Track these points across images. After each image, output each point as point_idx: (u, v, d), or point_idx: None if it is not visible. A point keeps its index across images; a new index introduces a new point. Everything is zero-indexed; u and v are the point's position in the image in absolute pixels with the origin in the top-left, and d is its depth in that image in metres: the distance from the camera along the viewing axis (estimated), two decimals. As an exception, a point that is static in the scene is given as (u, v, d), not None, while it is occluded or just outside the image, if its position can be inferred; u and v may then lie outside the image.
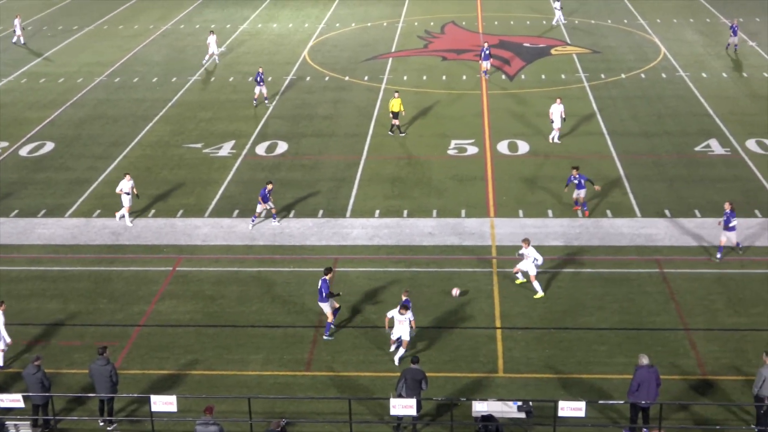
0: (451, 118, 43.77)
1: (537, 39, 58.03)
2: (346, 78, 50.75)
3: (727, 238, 30.15)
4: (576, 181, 33.08)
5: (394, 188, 36.36)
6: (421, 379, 22.05)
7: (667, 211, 33.64)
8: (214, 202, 35.46)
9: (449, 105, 45.57)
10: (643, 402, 21.69)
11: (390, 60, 54.10)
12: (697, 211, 33.54)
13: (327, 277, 26.25)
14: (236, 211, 34.61)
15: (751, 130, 41.16)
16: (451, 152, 39.77)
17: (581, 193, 33.26)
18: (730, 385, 23.89)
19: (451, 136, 41.65)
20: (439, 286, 28.96)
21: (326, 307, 26.39)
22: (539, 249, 30.51)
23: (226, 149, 40.67)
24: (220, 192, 36.34)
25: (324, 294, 26.08)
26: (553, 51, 55.19)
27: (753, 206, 33.84)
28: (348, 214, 34.32)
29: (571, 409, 21.02)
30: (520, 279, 29.18)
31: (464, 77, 50.16)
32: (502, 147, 40.16)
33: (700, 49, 54.74)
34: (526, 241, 28.48)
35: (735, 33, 52.32)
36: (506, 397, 23.08)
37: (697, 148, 39.47)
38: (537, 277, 28.27)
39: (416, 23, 62.89)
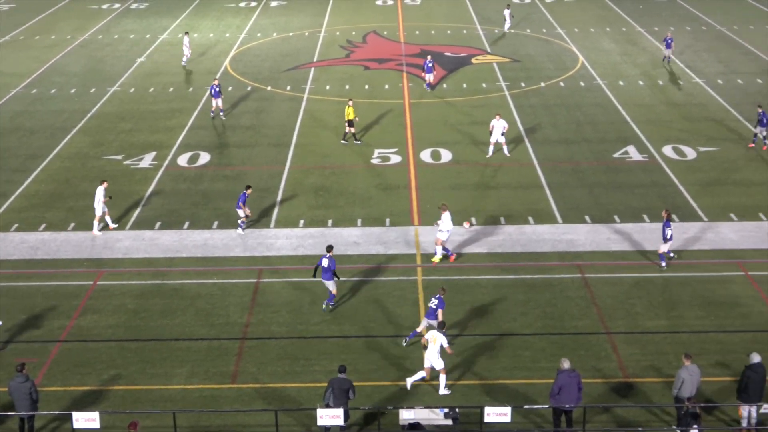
0: (374, 127, 43.88)
1: (458, 48, 58.56)
2: (269, 88, 50.58)
3: (666, 248, 30.51)
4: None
5: (319, 198, 36.32)
6: (348, 388, 22.03)
7: (587, 217, 34.20)
8: (135, 215, 34.98)
9: (372, 114, 45.69)
10: (566, 405, 21.98)
11: (312, 70, 54.07)
12: (616, 217, 34.16)
13: (331, 254, 27.60)
14: (158, 223, 34.19)
15: (667, 137, 42.09)
16: (374, 161, 39.88)
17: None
18: (650, 386, 24.36)
19: (375, 145, 41.77)
20: (365, 295, 28.99)
21: (332, 285, 27.73)
22: (463, 258, 30.84)
23: (147, 161, 40.19)
24: (141, 204, 35.87)
25: (332, 271, 27.49)
26: (473, 60, 55.76)
27: (672, 211, 34.48)
28: (272, 224, 34.17)
29: (497, 414, 21.22)
30: (438, 257, 30.09)
31: (387, 86, 50.37)
32: (425, 155, 40.41)
33: (617, 57, 55.82)
34: (444, 206, 30.11)
35: (669, 46, 53.49)
36: (433, 405, 23.19)
37: (616, 155, 40.21)
38: (443, 246, 30.11)
39: (338, 33, 62.99)
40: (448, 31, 63.19)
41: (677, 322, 27.36)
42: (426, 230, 33.15)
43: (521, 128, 43.46)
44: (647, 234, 32.79)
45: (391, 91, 49.45)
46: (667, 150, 40.52)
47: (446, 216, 30.45)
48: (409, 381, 24.36)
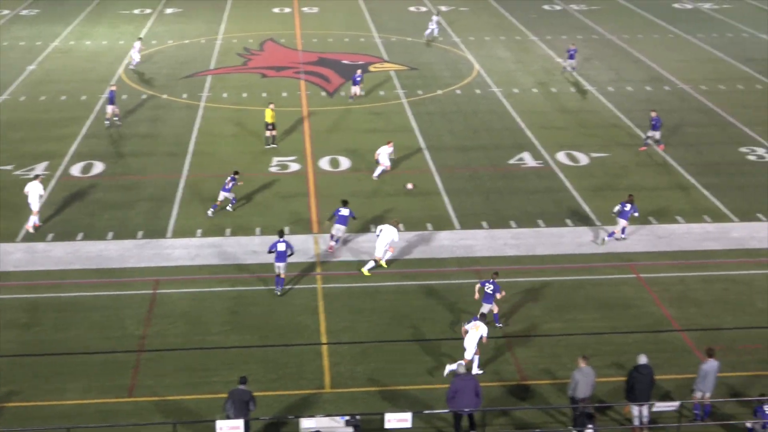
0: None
1: (355, 56, 58.75)
2: (164, 96, 49.90)
3: (620, 226, 32.84)
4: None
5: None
6: (248, 399, 21.86)
7: (484, 223, 34.67)
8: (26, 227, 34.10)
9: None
10: (465, 409, 22.23)
11: (209, 77, 53.55)
12: (512, 222, 34.71)
13: (285, 239, 29.23)
14: (51, 235, 33.39)
15: (560, 143, 42.97)
16: (273, 169, 39.70)
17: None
18: (547, 388, 24.81)
19: (273, 153, 41.58)
20: (264, 305, 28.83)
21: (284, 267, 29.05)
22: (363, 264, 30.95)
23: (38, 171, 39.18)
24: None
25: (290, 253, 29.07)
26: (371, 68, 56.00)
27: (564, 216, 35.32)
28: (169, 234, 33.70)
29: (398, 420, 21.32)
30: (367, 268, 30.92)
31: (285, 94, 50.21)
32: (324, 163, 40.42)
33: (512, 65, 56.78)
34: (396, 222, 31.23)
35: (572, 57, 54.58)
36: (334, 413, 23.18)
37: (511, 161, 40.88)
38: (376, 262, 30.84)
39: (235, 40, 62.53)
40: (346, 39, 63.35)
41: (572, 324, 27.94)
42: (325, 238, 33.12)
43: (419, 135, 43.82)
44: (543, 238, 33.43)
45: (289, 99, 49.32)
46: (561, 156, 41.38)
47: (391, 231, 30.62)
48: (446, 371, 25.14)
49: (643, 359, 22.83)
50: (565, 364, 25.66)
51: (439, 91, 50.99)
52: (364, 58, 58.37)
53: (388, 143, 39.29)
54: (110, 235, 33.52)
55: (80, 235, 33.38)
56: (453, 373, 24.04)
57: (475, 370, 25.24)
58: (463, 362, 22.44)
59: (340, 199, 33.13)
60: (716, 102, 49.17)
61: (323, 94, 50.53)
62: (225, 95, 50.09)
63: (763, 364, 25.98)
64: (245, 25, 66.98)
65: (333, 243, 32.19)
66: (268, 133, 42.20)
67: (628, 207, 32.86)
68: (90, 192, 37.19)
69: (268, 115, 42.03)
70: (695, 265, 31.67)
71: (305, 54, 59.08)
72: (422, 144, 42.74)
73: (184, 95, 49.98)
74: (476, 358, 25.30)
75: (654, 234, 33.88)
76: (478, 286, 27.64)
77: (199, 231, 33.87)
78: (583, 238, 33.46)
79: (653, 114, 42.17)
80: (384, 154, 38.89)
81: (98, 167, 39.85)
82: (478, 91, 51.24)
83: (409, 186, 36.34)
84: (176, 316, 28.12)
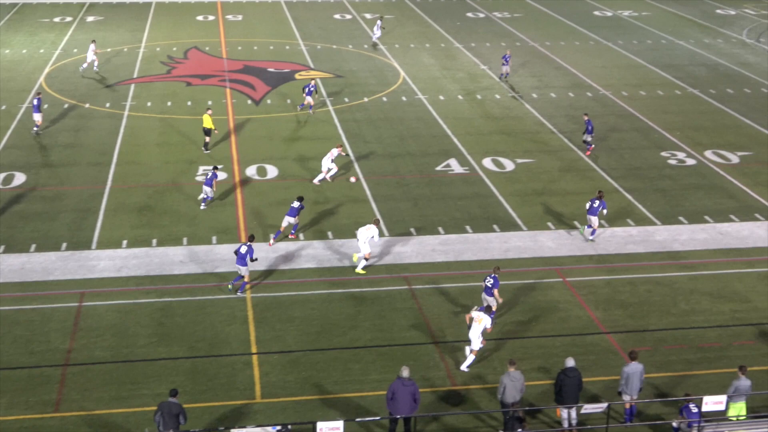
0: (198, 144, 43.28)
1: (281, 64, 58.58)
2: (87, 105, 49.11)
3: (595, 223, 33.77)
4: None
5: (142, 217, 35.51)
6: (179, 413, 21.58)
7: (412, 230, 34.81)
8: (-55, 240, 33.25)
9: (195, 131, 45.04)
10: (397, 415, 22.26)
11: (132, 86, 52.87)
12: (440, 229, 34.92)
13: (251, 244, 29.63)
14: (-29, 248, 32.61)
15: (486, 149, 43.38)
16: (199, 178, 39.31)
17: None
18: (478, 393, 24.99)
19: (199, 162, 41.21)
20: (192, 316, 28.53)
21: (246, 270, 29.44)
22: (291, 273, 30.88)
23: (-43, 183, 38.29)
24: (-48, 228, 34.14)
25: (250, 258, 29.33)
26: (297, 75, 55.88)
27: (491, 221, 35.64)
28: (94, 245, 33.15)
29: (329, 429, 21.24)
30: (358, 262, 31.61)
31: (210, 102, 49.80)
32: (251, 172, 40.18)
33: (437, 72, 57.16)
34: (376, 221, 31.81)
35: (506, 62, 55.24)
36: (265, 423, 23.04)
37: (438, 168, 41.14)
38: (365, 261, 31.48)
39: (158, 48, 61.86)
40: (271, 47, 63.11)
41: (501, 329, 28.18)
42: (254, 246, 32.88)
43: (346, 143, 43.84)
44: (470, 244, 33.69)
45: (215, 108, 48.90)
46: (487, 162, 41.77)
47: (372, 230, 31.31)
48: (464, 366, 25.91)
49: (570, 362, 23.14)
50: (495, 368, 25.88)
51: (366, 99, 51.10)
52: (289, 65, 58.22)
53: (338, 147, 39.54)
54: (33, 247, 32.85)
55: (2, 248, 32.66)
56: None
57: (464, 368, 25.93)
58: (405, 369, 22.45)
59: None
60: (637, 107, 50.13)
61: (249, 102, 50.27)
62: (149, 104, 49.50)
63: (687, 364, 26.53)
64: (169, 33, 66.31)
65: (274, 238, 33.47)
66: (208, 139, 42.29)
67: (597, 203, 33.60)
68: (11, 203, 36.40)
69: (207, 121, 41.92)
70: (620, 268, 32.23)
71: (230, 62, 58.71)
72: (350, 151, 42.76)
73: (107, 104, 49.26)
74: (471, 358, 25.97)
75: (579, 238, 34.36)
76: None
77: (124, 242, 33.39)
78: (510, 243, 33.80)
79: (585, 117, 43.16)
80: (327, 159, 39.17)
81: (20, 178, 39.05)
82: (404, 99, 51.48)
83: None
84: (103, 329, 27.66)
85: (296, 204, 33.34)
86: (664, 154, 43.30)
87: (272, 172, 40.19)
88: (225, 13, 74.42)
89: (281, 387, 25.03)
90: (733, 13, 78.63)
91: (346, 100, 50.98)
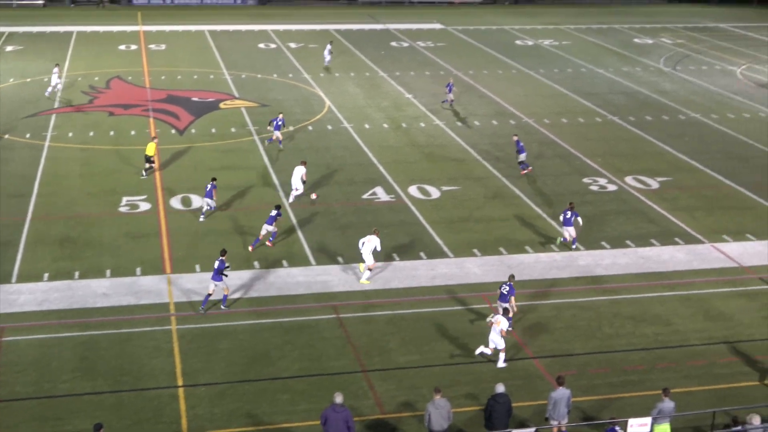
0: (121, 175, 42.75)
1: (205, 93, 58.28)
2: (6, 136, 48.18)
3: (568, 233, 35.74)
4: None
5: (64, 249, 34.87)
6: (102, 447, 21.18)
7: (340, 258, 34.78)
8: None
9: (118, 161, 44.52)
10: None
11: (53, 116, 52.05)
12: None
13: (224, 258, 30.30)
14: None
15: (412, 177, 43.63)
16: (122, 209, 38.80)
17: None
18: (406, 421, 24.99)
19: (122, 192, 40.68)
20: (116, 349, 28.04)
21: (222, 284, 30.21)
22: (217, 302, 30.58)
23: None
24: None
25: (221, 270, 29.96)
26: (221, 105, 55.65)
27: (418, 249, 35.81)
28: (13, 279, 32.43)
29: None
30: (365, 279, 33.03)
31: (133, 132, 49.28)
32: (176, 202, 39.80)
33: (362, 101, 57.43)
34: (376, 231, 33.23)
35: (450, 90, 55.85)
36: (192, 456, 22.73)
37: (365, 196, 41.23)
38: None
39: (80, 78, 61.07)
40: (195, 76, 62.77)
41: (430, 356, 28.27)
42: (178, 278, 32.58)
43: (272, 172, 43.72)
44: (397, 272, 33.79)
45: (138, 138, 48.38)
46: (413, 190, 42.00)
47: (374, 239, 32.86)
48: (478, 350, 27.83)
49: (500, 388, 23.29)
50: (424, 396, 25.89)
51: (291, 128, 51.04)
52: (214, 95, 57.95)
53: (302, 163, 40.14)
54: (-50, 281, 32.04)
55: None
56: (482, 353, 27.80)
57: (501, 365, 27.61)
58: (338, 395, 22.46)
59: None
60: (559, 135, 50.95)
61: (173, 131, 49.85)
62: (71, 134, 48.77)
63: (612, 387, 26.89)
64: (91, 63, 65.53)
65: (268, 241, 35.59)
66: (147, 165, 42.62)
67: (569, 214, 35.51)
68: (-73, 237, 35.51)
69: (151, 149, 42.48)
70: (545, 293, 32.60)
71: (154, 91, 58.22)
72: (276, 181, 42.64)
73: (27, 135, 48.40)
74: (503, 356, 27.60)
75: (504, 264, 34.70)
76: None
77: (46, 275, 32.74)
78: (437, 271, 33.98)
79: (515, 138, 44.39)
80: (298, 176, 39.68)
81: (-64, 211, 38.12)
82: (330, 127, 51.57)
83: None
84: (25, 364, 27.02)
85: (274, 212, 34.84)
86: (585, 180, 44.05)
87: (197, 202, 39.85)
88: (148, 43, 73.88)
89: (209, 420, 24.72)
90: (650, 42, 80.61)
91: (270, 129, 50.83)
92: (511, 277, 29.92)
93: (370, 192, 41.75)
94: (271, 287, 32.33)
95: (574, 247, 35.98)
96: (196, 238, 36.11)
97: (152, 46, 72.27)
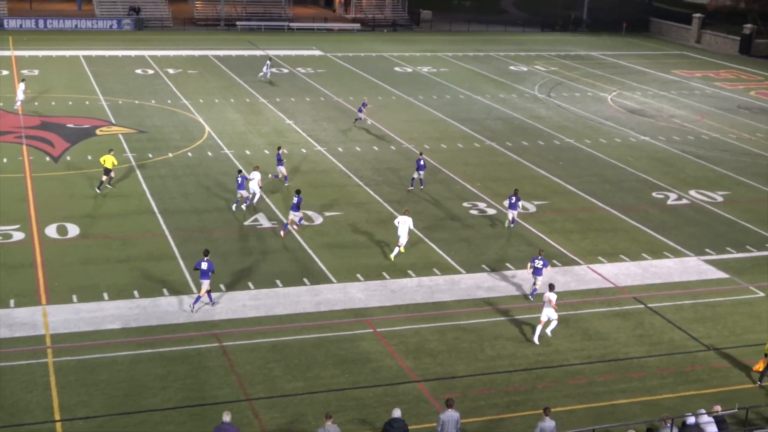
0: (-7, 203, 41.40)
1: (81, 119, 56.98)
2: None
3: (512, 215, 40.60)
4: None
5: (-68, 282, 33.47)
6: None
7: (222, 285, 34.35)
8: None
9: (-10, 189, 43.11)
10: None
11: None
12: (250, 284, 34.61)
13: (208, 258, 31.98)
14: None
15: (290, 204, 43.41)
16: (-6, 239, 37.54)
17: None
18: (293, 448, 24.79)
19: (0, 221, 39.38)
20: (-10, 384, 27.04)
21: (207, 284, 31.65)
22: (96, 335, 29.88)
23: None
24: None
25: (211, 272, 31.69)
26: (98, 131, 54.50)
27: (302, 275, 35.66)
28: None
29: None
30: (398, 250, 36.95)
31: (5, 160, 47.77)
32: (51, 231, 38.68)
33: (243, 127, 57.08)
34: (407, 211, 37.54)
35: (361, 110, 57.75)
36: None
37: (247, 223, 40.88)
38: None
39: (-53, 104, 58.99)
40: (70, 102, 61.35)
41: (314, 382, 28.13)
42: (54, 309, 31.62)
43: (151, 199, 42.99)
44: (281, 298, 33.57)
45: (11, 165, 46.94)
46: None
47: (407, 219, 37.19)
48: (536, 337, 31.10)
49: (396, 413, 23.31)
50: (309, 423, 25.75)
51: (170, 154, 50.33)
52: (90, 121, 56.72)
53: (255, 168, 42.42)
54: None
55: None
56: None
57: (538, 336, 31.25)
58: (226, 414, 22.36)
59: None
60: (439, 160, 51.62)
61: (48, 159, 48.53)
62: (-62, 162, 47.00)
63: (496, 408, 27.25)
64: (-41, 88, 63.39)
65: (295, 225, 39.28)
66: (105, 178, 43.39)
67: (513, 199, 40.29)
68: None
69: (109, 161, 43.28)
70: (428, 316, 32.87)
71: (27, 118, 56.60)
72: (155, 208, 41.94)
73: None
74: (539, 328, 31.16)
75: (388, 288, 34.87)
76: (528, 264, 34.46)
77: None
78: (321, 296, 33.90)
79: (421, 155, 46.42)
80: (257, 182, 41.84)
81: None
82: (210, 153, 51.04)
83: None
84: None
85: (295, 200, 38.72)
86: (465, 204, 44.71)
87: (73, 230, 38.82)
88: (20, 68, 71.91)
89: None
90: (525, 69, 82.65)
91: (150, 155, 50.06)
92: (541, 251, 34.75)
93: (252, 218, 41.43)
94: (152, 317, 31.68)
95: (512, 226, 40.97)
96: (72, 268, 35.15)
97: (25, 72, 70.34)
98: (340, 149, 53.07)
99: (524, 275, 36.49)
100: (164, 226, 39.80)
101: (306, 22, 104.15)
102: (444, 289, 35.16)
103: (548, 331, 31.31)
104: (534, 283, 34.53)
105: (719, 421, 24.70)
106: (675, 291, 35.85)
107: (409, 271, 36.42)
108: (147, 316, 31.68)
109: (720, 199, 46.63)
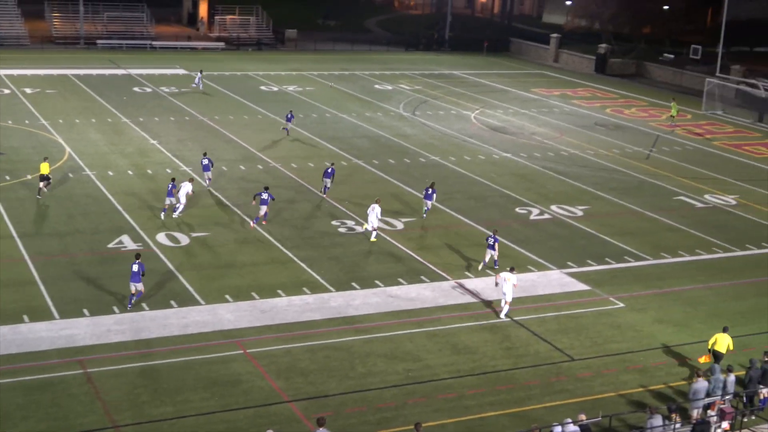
0: None
1: (-68, 141, 54.68)
2: None
3: (427, 205, 45.76)
4: None
5: None
6: None
7: (86, 310, 33.43)
8: None
9: None
10: None
11: None
12: (115, 308, 33.80)
13: (140, 261, 33.71)
14: None
15: (159, 224, 42.67)
16: None
17: None
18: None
19: None
20: None
21: (141, 285, 33.59)
22: (-48, 364, 28.72)
23: None
24: None
25: (142, 274, 33.49)
26: (-49, 153, 52.43)
27: (169, 297, 35.05)
28: None
29: None
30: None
31: None
32: None
33: (105, 148, 55.83)
34: (378, 200, 42.89)
35: (289, 120, 61.12)
36: None
37: (111, 245, 39.95)
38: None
39: None
40: None
41: (184, 406, 27.64)
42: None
43: (9, 223, 41.54)
44: (148, 322, 32.89)
45: None
46: (161, 237, 41.13)
47: (377, 208, 42.04)
48: (503, 314, 34.83)
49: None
50: (179, 448, 25.31)
51: (29, 176, 48.77)
52: (-58, 142, 54.48)
53: (190, 180, 44.46)
54: None
55: None
56: None
57: (503, 316, 34.91)
58: None
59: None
60: (307, 179, 51.58)
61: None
62: None
63: (368, 426, 27.33)
64: None
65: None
66: (42, 184, 44.78)
67: (430, 191, 45.82)
68: None
69: (44, 168, 45.03)
70: (299, 336, 32.76)
71: None
72: (13, 232, 40.54)
73: None
74: (507, 308, 34.99)
75: (257, 309, 34.61)
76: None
77: None
78: (189, 319, 33.38)
79: (330, 165, 49.19)
80: (184, 192, 43.46)
81: None
82: (71, 175, 49.70)
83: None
84: None
85: (265, 195, 42.58)
86: (334, 222, 44.81)
87: (-74, 257, 37.19)
88: None
89: None
90: (390, 88, 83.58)
91: (8, 177, 48.42)
92: (495, 231, 40.17)
93: (116, 241, 40.51)
94: (11, 344, 30.55)
95: (424, 216, 45.92)
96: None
97: None
98: (206, 169, 52.42)
99: (395, 291, 36.84)
100: (23, 250, 38.51)
101: (169, 40, 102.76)
102: (314, 308, 35.11)
103: (502, 314, 35.20)
104: (486, 256, 39.52)
105: (584, 429, 25.44)
106: (539, 304, 36.77)
107: (279, 291, 36.24)
108: (7, 344, 30.53)
109: (580, 213, 48.11)
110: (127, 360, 30.20)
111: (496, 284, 35.48)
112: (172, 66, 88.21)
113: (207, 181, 48.45)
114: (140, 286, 33.73)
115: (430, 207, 46.01)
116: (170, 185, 43.56)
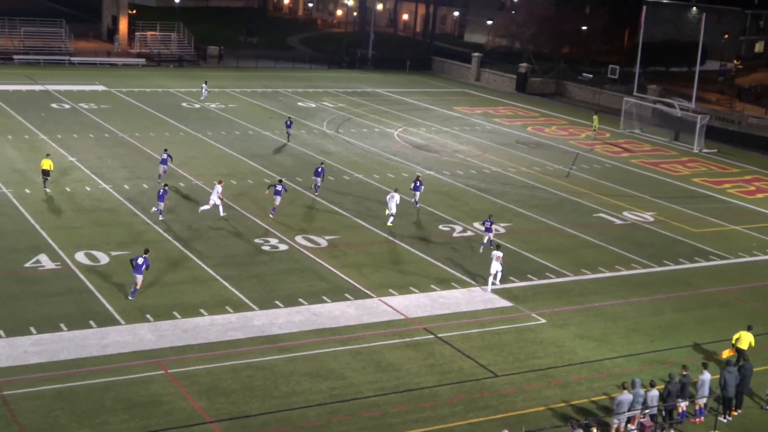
0: None
1: None
2: None
3: (415, 197, 50.31)
4: None
5: None
6: None
7: (1, 331, 32.60)
8: None
9: None
10: None
11: None
12: (32, 329, 33.04)
13: (146, 255, 36.09)
14: None
15: (78, 243, 41.96)
16: None
17: None
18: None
19: None
20: None
21: (141, 278, 35.63)
22: None
23: None
24: None
25: (146, 267, 35.64)
26: None
27: (87, 317, 34.37)
28: None
29: None
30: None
31: None
32: None
33: (22, 165, 54.71)
34: (396, 189, 46.73)
35: (289, 126, 65.78)
36: None
37: (28, 264, 39.09)
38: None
39: None
40: None
41: (103, 428, 27.11)
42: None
43: None
44: (66, 342, 32.22)
45: None
46: (80, 256, 40.39)
47: (396, 196, 47.46)
48: (488, 288, 39.51)
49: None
50: (98, 472, 24.77)
51: (-58, 194, 47.54)
52: None
53: (219, 182, 47.34)
54: None
55: None
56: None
57: (490, 287, 39.85)
58: None
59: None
60: (229, 196, 51.04)
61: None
62: None
63: (291, 445, 27.14)
64: None
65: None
66: (44, 178, 48.12)
67: (418, 183, 50.74)
68: None
69: (46, 164, 48.17)
70: (222, 355, 32.39)
71: None
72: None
73: None
74: (492, 279, 39.86)
75: (179, 328, 34.15)
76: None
77: None
78: (108, 339, 32.77)
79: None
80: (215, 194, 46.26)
81: None
82: None
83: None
84: None
85: (279, 187, 47.63)
86: (257, 240, 44.50)
87: None
88: None
89: None
90: (313, 105, 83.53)
91: None
92: (490, 216, 45.57)
93: (34, 260, 39.65)
94: (-77, 367, 29.66)
95: (417, 207, 50.89)
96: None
97: None
98: (126, 186, 51.71)
99: (318, 309, 36.72)
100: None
101: (88, 56, 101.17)
102: (237, 327, 34.77)
103: (497, 281, 39.89)
104: (483, 240, 44.93)
105: (508, 445, 25.61)
106: (463, 320, 36.98)
107: (201, 310, 35.82)
108: None
109: (502, 230, 48.55)
110: (44, 382, 29.51)
111: (486, 253, 41.89)
112: (91, 82, 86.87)
113: (161, 176, 52.31)
114: (139, 279, 35.87)
115: (418, 198, 51.01)
116: (160, 191, 46.02)
